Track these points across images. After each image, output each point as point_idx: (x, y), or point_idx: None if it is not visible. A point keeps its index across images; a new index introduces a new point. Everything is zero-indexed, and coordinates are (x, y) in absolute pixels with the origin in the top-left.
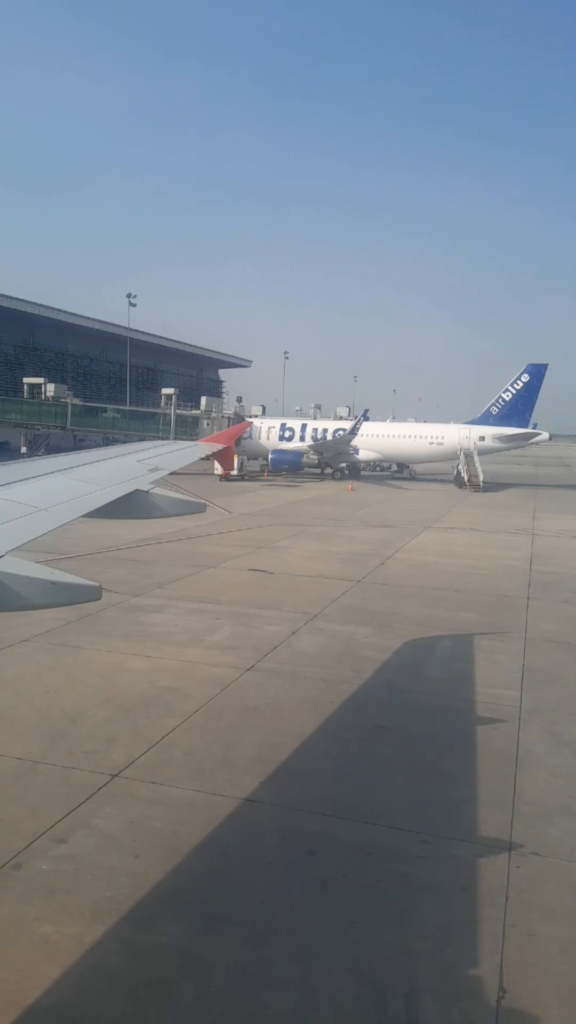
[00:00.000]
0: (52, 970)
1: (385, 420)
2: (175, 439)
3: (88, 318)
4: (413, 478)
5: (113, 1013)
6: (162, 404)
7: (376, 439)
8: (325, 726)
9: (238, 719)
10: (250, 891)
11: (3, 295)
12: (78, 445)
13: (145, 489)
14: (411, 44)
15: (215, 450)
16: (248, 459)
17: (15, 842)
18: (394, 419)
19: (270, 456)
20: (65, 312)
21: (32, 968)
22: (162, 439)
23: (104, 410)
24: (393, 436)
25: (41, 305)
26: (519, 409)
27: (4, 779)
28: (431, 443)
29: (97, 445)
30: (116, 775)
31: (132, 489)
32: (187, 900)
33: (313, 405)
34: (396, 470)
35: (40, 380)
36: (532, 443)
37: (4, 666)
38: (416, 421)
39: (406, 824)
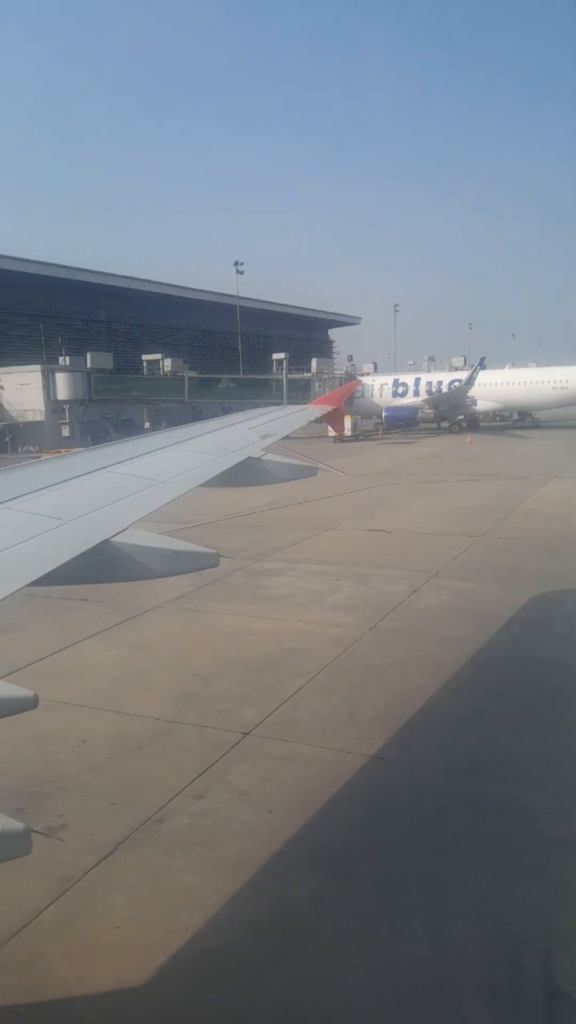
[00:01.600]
0: (195, 918)
1: (504, 367)
2: (286, 404)
3: (198, 290)
4: (536, 426)
5: (255, 959)
6: (273, 369)
7: (495, 388)
8: (450, 683)
9: (362, 678)
10: (381, 846)
11: (118, 275)
12: (196, 416)
13: (257, 456)
14: None
15: (325, 412)
16: (362, 418)
17: (157, 798)
18: (513, 365)
19: (384, 414)
20: (177, 287)
21: (178, 915)
22: (275, 404)
23: (219, 380)
24: (513, 383)
25: (154, 282)
26: None
27: (144, 738)
28: (555, 388)
29: (214, 415)
30: (247, 733)
31: (244, 457)
32: (320, 854)
33: (426, 358)
34: (518, 419)
35: (157, 356)
36: None
37: (138, 630)
38: (538, 366)
39: (536, 781)
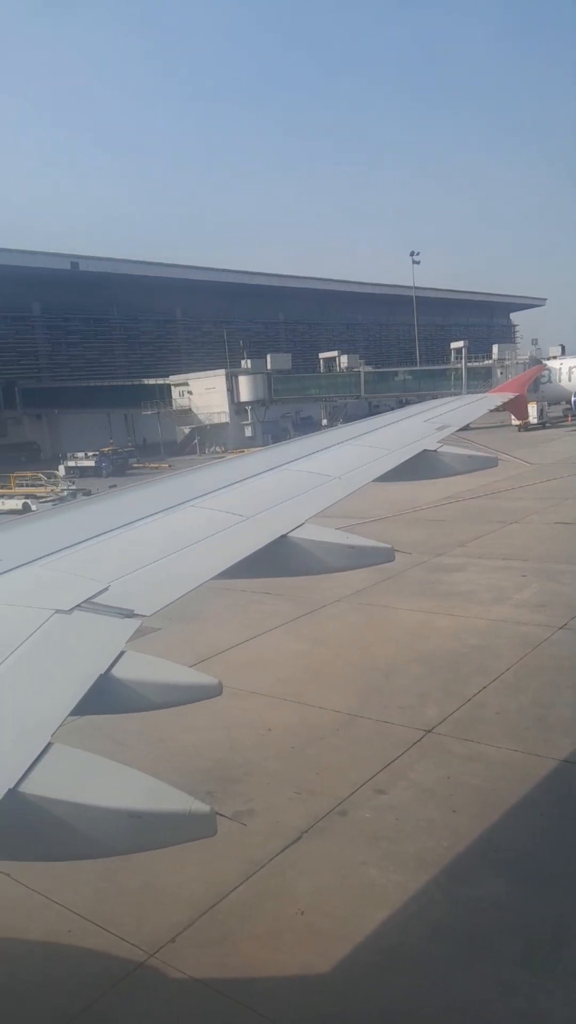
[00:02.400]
0: (379, 912)
1: None
2: (465, 394)
3: (372, 284)
4: None
5: (436, 958)
6: (452, 359)
7: None
8: None
9: (552, 679)
10: (572, 853)
11: (295, 276)
12: (372, 411)
13: (433, 448)
14: None
15: (506, 399)
16: (548, 405)
17: (340, 789)
18: None
19: (573, 399)
20: (351, 282)
21: (360, 909)
22: (453, 395)
23: (395, 374)
24: None
25: (328, 280)
26: None
27: (326, 730)
28: None
29: (390, 409)
30: (430, 731)
31: (420, 450)
32: (506, 857)
33: None
34: None
35: (334, 353)
36: None
37: (319, 623)
38: None
39: None
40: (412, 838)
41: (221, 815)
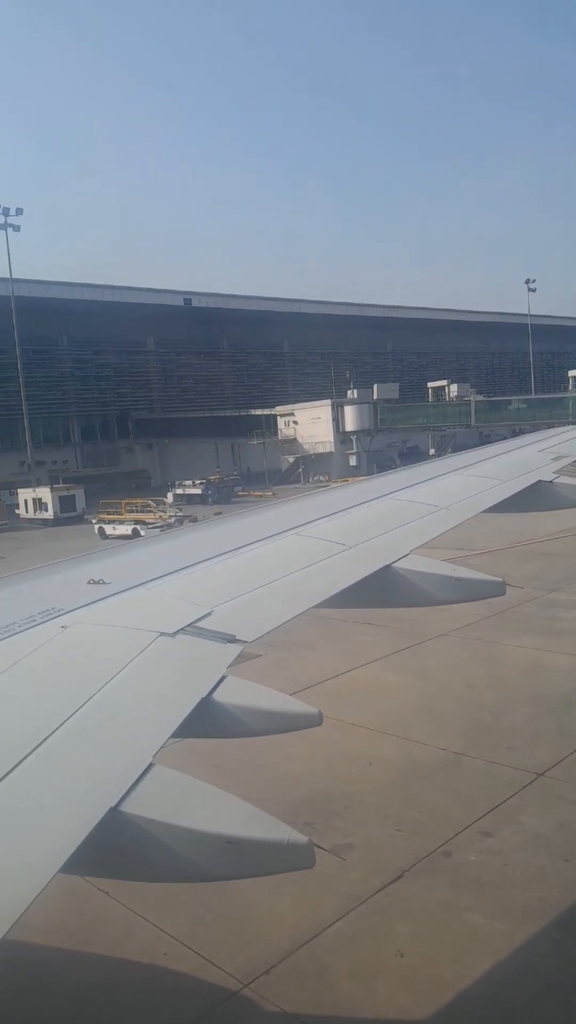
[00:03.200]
0: (483, 961)
1: None
2: None
3: (484, 312)
4: None
5: (549, 1014)
6: (570, 387)
7: None
8: None
9: None
10: None
11: (404, 307)
12: (483, 441)
13: (548, 479)
14: None
15: None
16: None
17: (444, 831)
18: None
19: None
20: (461, 311)
21: (463, 956)
22: (571, 424)
23: (508, 402)
24: None
25: (438, 309)
26: None
27: (431, 768)
28: None
29: (502, 438)
30: (542, 774)
31: (534, 480)
32: None
33: None
34: None
35: (443, 382)
36: None
37: (425, 657)
38: None
39: None
40: (520, 886)
41: (319, 847)
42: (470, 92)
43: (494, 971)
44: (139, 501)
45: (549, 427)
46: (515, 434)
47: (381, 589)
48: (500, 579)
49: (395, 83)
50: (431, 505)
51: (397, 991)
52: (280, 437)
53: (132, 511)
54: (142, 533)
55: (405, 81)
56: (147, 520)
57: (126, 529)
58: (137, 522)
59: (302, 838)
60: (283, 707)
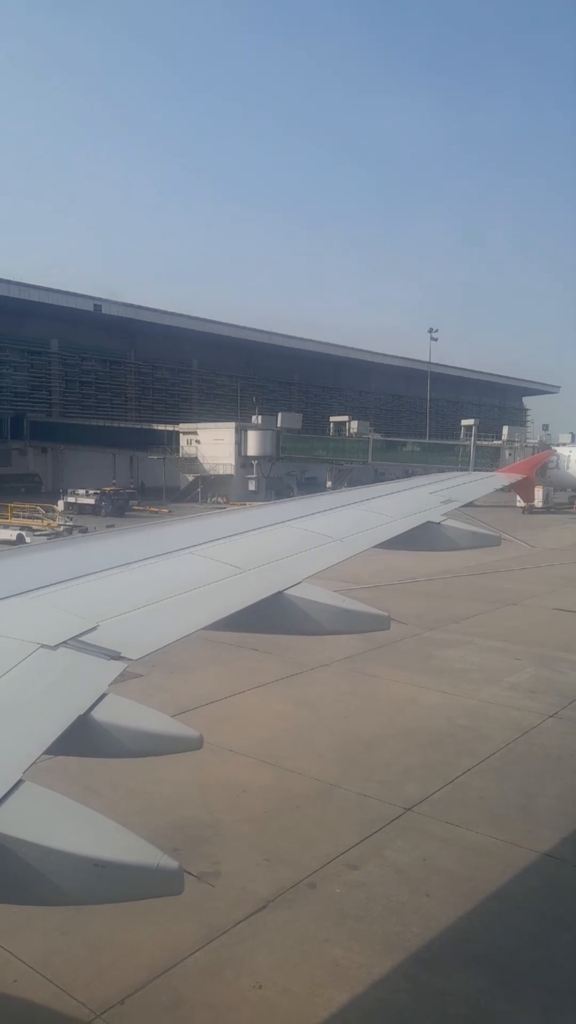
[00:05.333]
0: (340, 995)
1: None
2: (473, 470)
3: (389, 355)
4: None
5: None
6: (462, 435)
7: None
8: None
9: (539, 767)
10: (547, 951)
11: (313, 340)
12: (378, 478)
13: (437, 521)
14: None
15: (514, 480)
16: (555, 491)
17: (311, 862)
18: None
19: None
20: (369, 352)
21: (320, 989)
22: (460, 471)
23: (403, 444)
24: None
25: (346, 347)
26: None
27: (304, 798)
28: None
29: (396, 478)
30: (409, 809)
31: (424, 521)
32: (478, 949)
33: None
34: None
35: (345, 418)
36: None
37: (306, 686)
38: None
39: None
40: (381, 919)
41: (188, 874)
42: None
43: (349, 1005)
44: (27, 506)
45: (440, 471)
46: (408, 474)
47: (272, 615)
48: (385, 613)
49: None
50: (326, 536)
51: (252, 1023)
52: (181, 455)
53: (19, 516)
54: (27, 540)
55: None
56: (34, 527)
57: (10, 534)
58: (23, 528)
59: (172, 863)
60: (164, 729)
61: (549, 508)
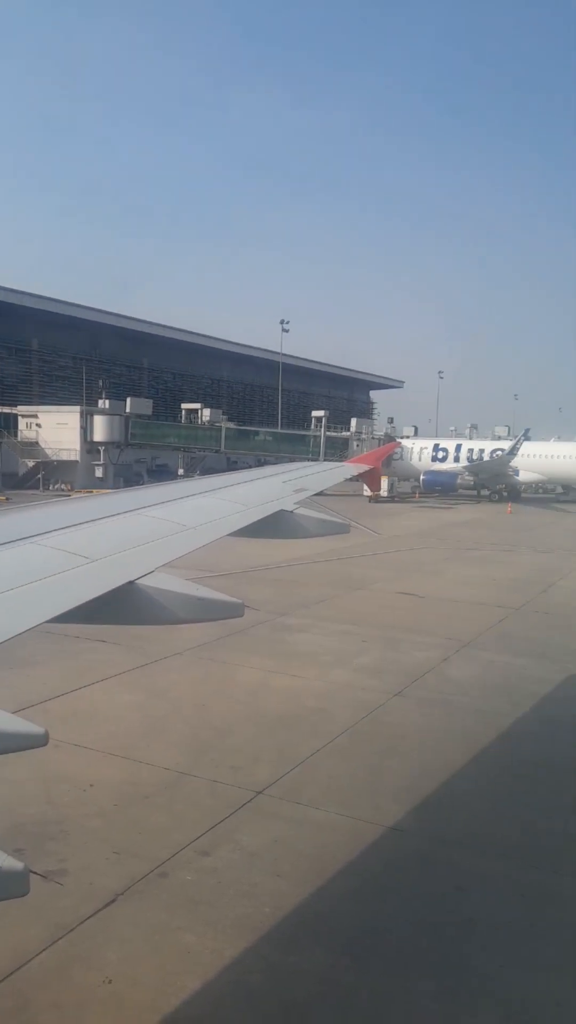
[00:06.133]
0: (192, 981)
1: (549, 440)
2: (323, 460)
3: (242, 344)
4: None
5: None
6: (312, 426)
7: (539, 459)
8: (477, 759)
9: (385, 745)
10: (394, 922)
11: (163, 325)
12: (231, 467)
13: (289, 509)
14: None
15: (362, 471)
16: (399, 480)
17: (161, 851)
18: (559, 439)
19: (422, 477)
20: (222, 340)
21: (172, 977)
22: (311, 460)
23: (256, 433)
24: (558, 456)
25: (199, 334)
26: None
27: (153, 788)
28: None
29: (249, 467)
30: (260, 792)
31: (277, 509)
32: (329, 925)
33: (469, 425)
34: (561, 492)
35: (197, 405)
36: None
37: (156, 676)
38: None
39: (562, 866)
40: (233, 903)
41: (34, 873)
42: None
43: (201, 991)
44: None
45: (292, 460)
46: (260, 463)
47: (123, 605)
48: (239, 601)
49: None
50: (179, 524)
51: (101, 1020)
52: (20, 439)
53: None
54: None
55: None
56: None
57: None
58: None
59: (17, 864)
60: (4, 726)
61: (394, 497)
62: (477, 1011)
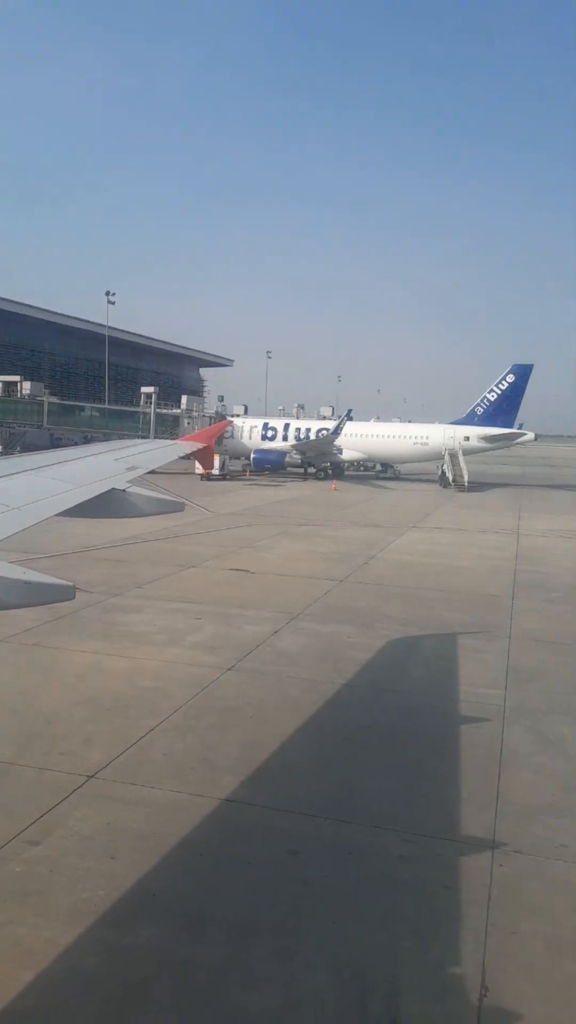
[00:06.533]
0: (26, 974)
1: (369, 420)
2: (154, 438)
3: (67, 316)
4: (398, 478)
5: (88, 1015)
6: (142, 403)
7: (360, 439)
8: (307, 726)
9: (218, 719)
10: (230, 892)
11: None
12: (55, 444)
13: (122, 488)
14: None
15: (194, 449)
16: (230, 459)
17: None
18: (378, 419)
19: (252, 455)
20: (44, 310)
21: (6, 971)
22: (142, 438)
23: (82, 409)
24: (377, 436)
25: (18, 303)
26: (504, 409)
27: None
28: (416, 443)
29: (75, 444)
30: (92, 776)
31: (108, 488)
32: (166, 901)
33: (296, 405)
34: (380, 470)
35: (16, 378)
36: (518, 443)
37: None
38: (401, 421)
39: (389, 823)
40: (66, 890)
41: None
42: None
43: (36, 981)
44: None
45: (120, 438)
46: (88, 440)
47: None
48: (70, 583)
49: None
50: (2, 504)
51: None
52: None
53: None
54: None
55: None
56: None
57: None
58: None
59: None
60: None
61: (225, 475)
62: (314, 968)
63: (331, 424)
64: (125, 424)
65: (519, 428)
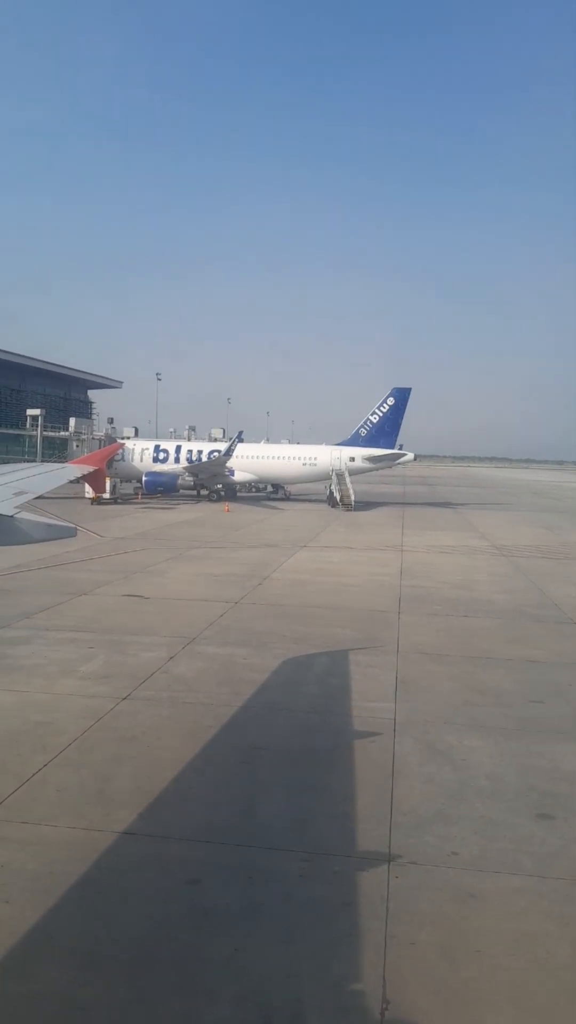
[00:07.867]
0: None
1: (259, 442)
2: (43, 461)
3: None
4: (288, 498)
5: None
6: (27, 425)
7: (251, 460)
8: (204, 751)
9: (114, 751)
10: (130, 927)
11: None
12: None
13: (9, 514)
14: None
15: (85, 472)
16: (121, 482)
17: None
18: (268, 441)
19: (144, 478)
20: None
21: None
22: (29, 461)
23: None
24: (267, 457)
25: None
26: (386, 431)
27: None
28: (304, 464)
29: None
30: None
31: None
32: (64, 943)
33: (187, 427)
34: (271, 491)
35: None
36: (399, 463)
37: None
38: (289, 443)
39: (286, 844)
40: None
41: None
42: None
43: None
44: None
45: (6, 462)
46: None
47: None
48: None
49: None
50: None
51: None
52: None
53: None
54: None
55: None
56: None
57: None
58: None
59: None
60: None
61: (116, 499)
62: (216, 999)
63: (223, 446)
64: (11, 448)
65: (400, 449)
